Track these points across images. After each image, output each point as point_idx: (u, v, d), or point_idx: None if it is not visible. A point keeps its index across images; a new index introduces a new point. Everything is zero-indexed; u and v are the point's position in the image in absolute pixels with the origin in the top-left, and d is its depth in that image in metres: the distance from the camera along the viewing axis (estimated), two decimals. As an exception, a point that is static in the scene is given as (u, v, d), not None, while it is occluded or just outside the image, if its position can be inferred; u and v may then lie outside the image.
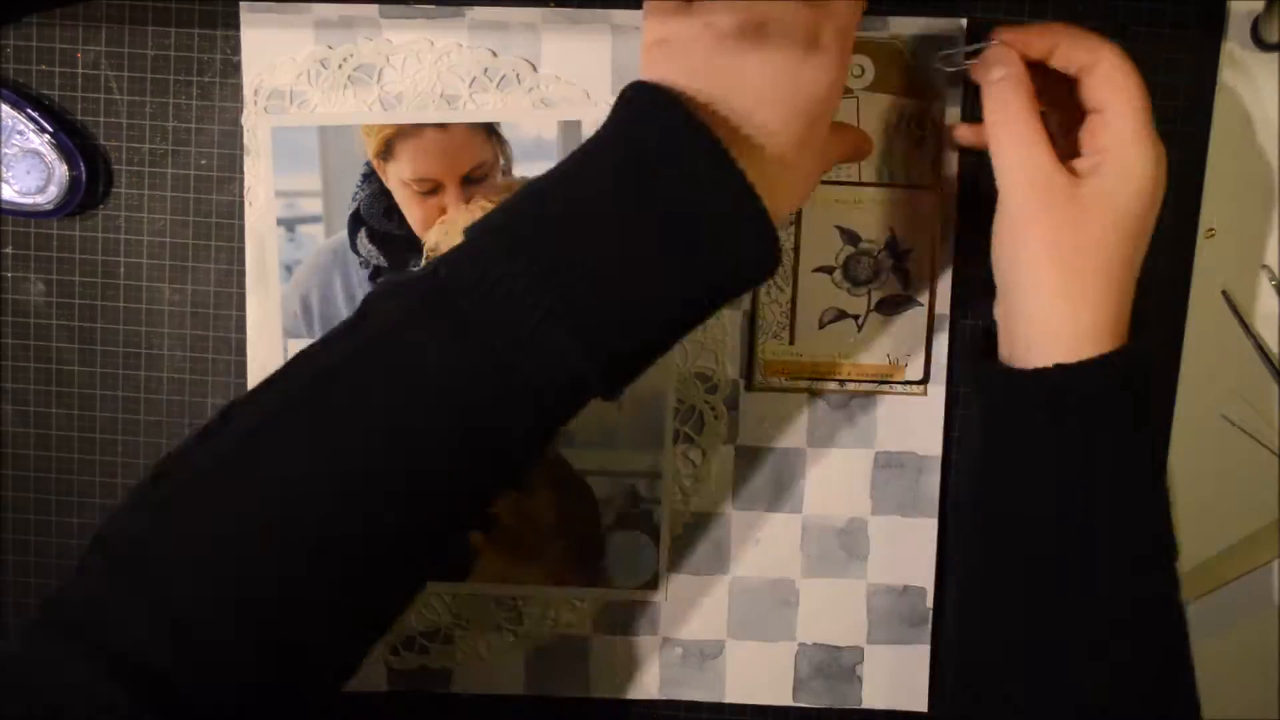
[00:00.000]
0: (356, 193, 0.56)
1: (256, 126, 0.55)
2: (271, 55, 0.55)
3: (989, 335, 0.50)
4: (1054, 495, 0.45)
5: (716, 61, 0.41)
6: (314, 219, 0.56)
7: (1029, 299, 0.46)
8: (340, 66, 0.55)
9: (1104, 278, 0.45)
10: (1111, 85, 0.46)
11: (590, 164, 0.41)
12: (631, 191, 0.39)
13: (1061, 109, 0.49)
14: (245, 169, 0.56)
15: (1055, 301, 0.46)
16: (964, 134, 0.54)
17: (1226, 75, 0.55)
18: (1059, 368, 0.45)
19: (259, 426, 0.39)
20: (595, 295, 0.38)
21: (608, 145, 0.41)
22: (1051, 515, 0.45)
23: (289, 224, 0.56)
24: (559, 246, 0.39)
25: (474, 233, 0.40)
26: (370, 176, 0.55)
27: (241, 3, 0.55)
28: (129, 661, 0.36)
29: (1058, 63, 0.48)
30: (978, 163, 0.55)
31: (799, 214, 0.55)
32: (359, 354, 0.40)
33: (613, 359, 0.40)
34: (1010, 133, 0.47)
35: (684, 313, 0.41)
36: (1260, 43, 0.55)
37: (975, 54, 0.49)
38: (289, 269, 0.56)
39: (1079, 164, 0.47)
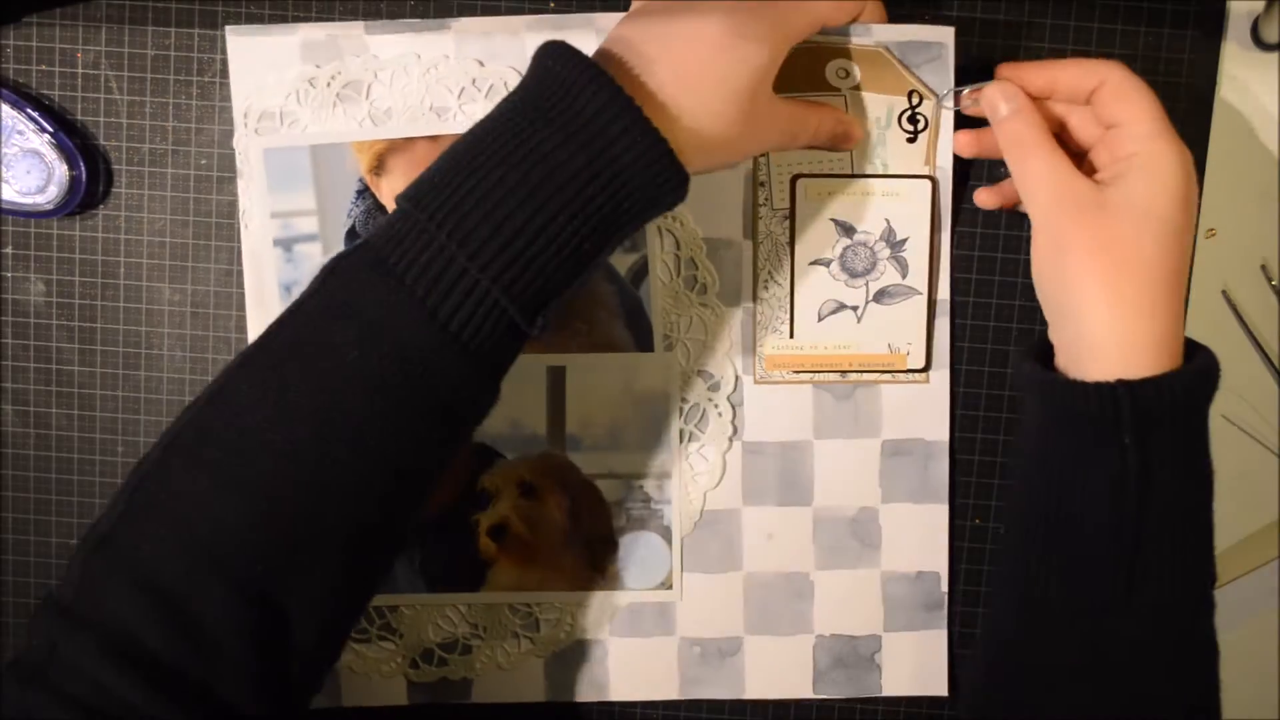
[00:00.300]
0: (351, 209, 0.55)
1: (248, 149, 0.55)
2: (259, 77, 0.55)
3: (1045, 345, 0.50)
4: (1106, 507, 0.45)
5: (641, 26, 0.44)
6: (310, 238, 0.56)
7: (1077, 316, 0.46)
8: (329, 85, 0.55)
9: (1147, 287, 0.45)
10: (1122, 97, 0.47)
11: (494, 111, 0.43)
12: (522, 125, 0.41)
13: (1068, 145, 0.50)
14: (239, 192, 0.56)
15: (1103, 314, 0.45)
16: (984, 198, 0.54)
17: (1226, 75, 0.55)
18: (1121, 383, 0.44)
19: (210, 397, 0.41)
20: (491, 226, 0.40)
21: (510, 94, 0.43)
22: (1103, 528, 0.45)
23: (285, 244, 0.56)
24: (457, 187, 0.41)
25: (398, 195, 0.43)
26: (364, 193, 0.55)
27: (227, 26, 0.55)
28: (117, 639, 0.38)
29: (1063, 93, 0.49)
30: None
31: (793, 209, 0.55)
32: (290, 314, 0.42)
33: (522, 287, 0.41)
34: (1032, 158, 0.48)
35: (585, 231, 0.42)
36: (1260, 43, 0.55)
37: (977, 91, 0.51)
38: (288, 289, 0.56)
39: (1103, 175, 0.48)
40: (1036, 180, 0.47)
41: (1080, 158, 0.50)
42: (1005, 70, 0.50)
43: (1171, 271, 0.45)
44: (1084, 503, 0.45)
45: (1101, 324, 0.45)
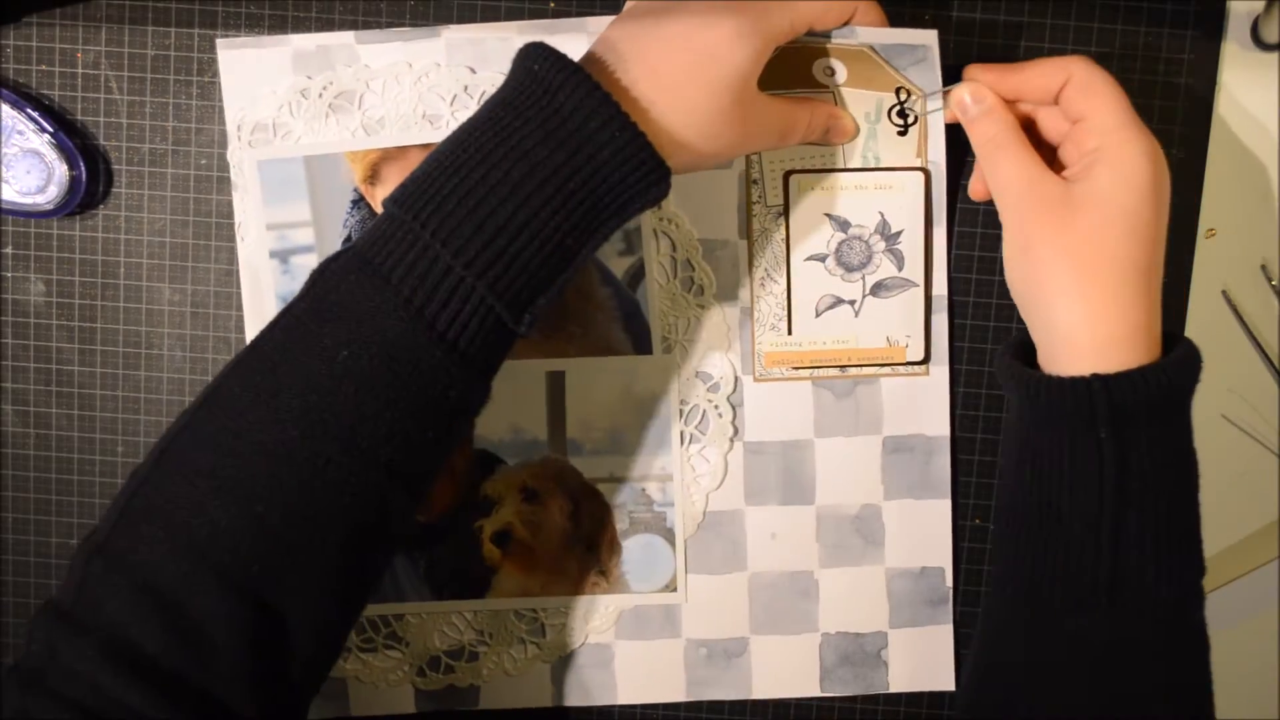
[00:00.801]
0: (347, 219, 0.55)
1: (242, 162, 0.55)
2: (252, 89, 0.55)
3: (1027, 342, 0.50)
4: (1086, 502, 0.45)
5: (626, 28, 0.45)
6: (306, 249, 0.56)
7: (1048, 315, 0.46)
8: (321, 95, 0.55)
9: (1116, 283, 0.45)
10: (1087, 91, 0.47)
11: (477, 113, 0.44)
12: (503, 125, 0.42)
13: (1039, 142, 0.50)
14: (234, 205, 0.56)
15: (1073, 312, 0.45)
16: (976, 188, 0.54)
17: (1226, 75, 0.55)
18: (1096, 377, 0.44)
19: (204, 400, 0.42)
20: (474, 224, 0.41)
21: (492, 96, 0.44)
22: (1084, 523, 0.45)
23: (282, 256, 0.56)
24: (440, 187, 0.41)
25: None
26: (359, 202, 0.55)
27: (218, 40, 0.55)
28: (116, 642, 0.38)
29: (1031, 95, 0.49)
30: (967, 141, 0.55)
31: (786, 205, 0.55)
32: (281, 317, 0.42)
33: (507, 283, 0.41)
34: (1003, 158, 0.48)
35: (567, 226, 0.42)
36: (1260, 43, 0.55)
37: (948, 93, 0.51)
38: (285, 301, 0.55)
39: (1070, 171, 0.48)
40: (1006, 180, 0.48)
41: (1052, 154, 0.50)
42: (973, 71, 0.50)
43: (1141, 266, 0.45)
44: (1065, 497, 0.45)
45: (1072, 321, 0.45)
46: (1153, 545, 0.44)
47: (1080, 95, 0.47)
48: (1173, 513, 0.45)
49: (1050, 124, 0.50)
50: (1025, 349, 0.50)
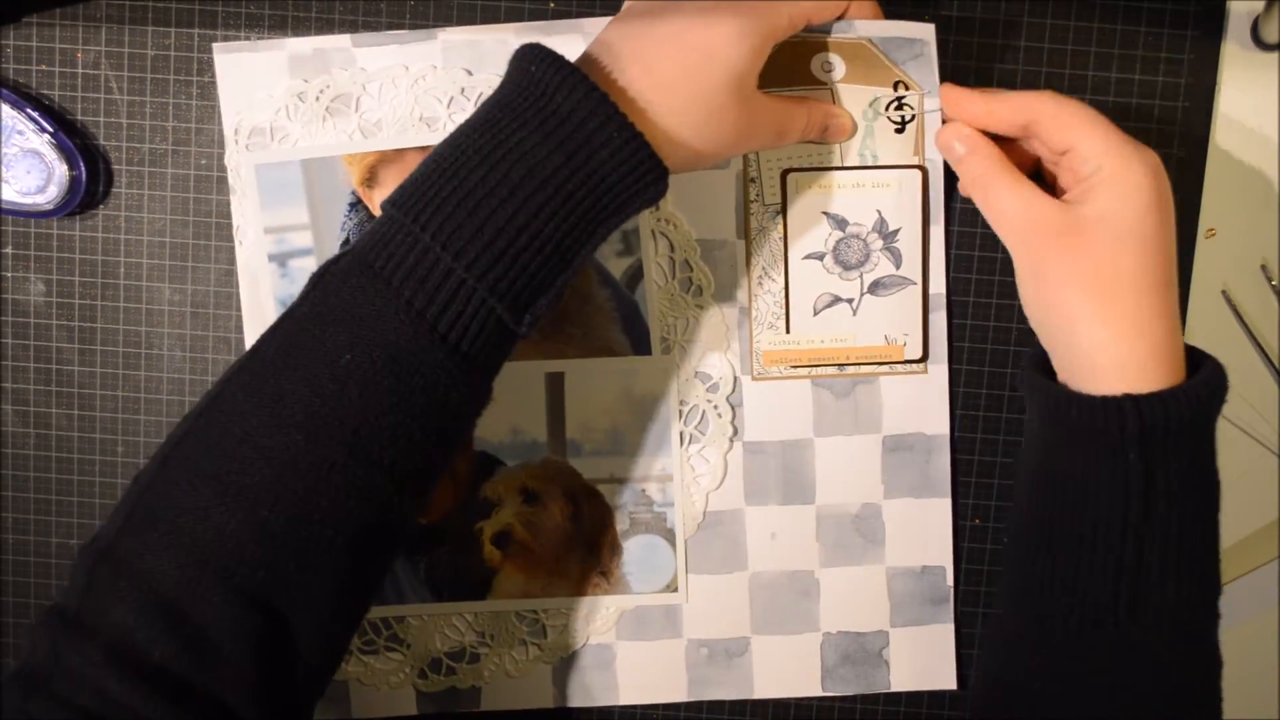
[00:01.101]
0: (345, 222, 0.55)
1: (240, 165, 0.55)
2: (248, 93, 0.55)
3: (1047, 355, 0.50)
4: (1110, 521, 0.45)
5: (623, 28, 0.45)
6: (305, 252, 0.56)
7: (1069, 341, 0.46)
8: (318, 98, 0.55)
9: (1134, 303, 0.45)
10: (1065, 123, 0.46)
11: (474, 115, 0.44)
12: (501, 127, 0.42)
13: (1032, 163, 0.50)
14: (232, 209, 0.56)
15: (1094, 336, 0.45)
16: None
17: (1226, 75, 0.55)
18: (1127, 397, 0.44)
19: (207, 406, 0.42)
20: (474, 225, 0.41)
21: (489, 98, 0.44)
22: (1107, 542, 0.45)
23: (280, 260, 0.56)
24: (440, 189, 0.41)
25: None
26: (357, 205, 0.55)
27: (214, 44, 0.55)
28: (122, 648, 0.38)
29: (995, 128, 0.49)
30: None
31: (784, 203, 0.55)
32: (282, 321, 0.43)
33: (507, 285, 0.41)
34: (996, 192, 0.48)
35: (566, 227, 0.42)
36: (1260, 43, 0.55)
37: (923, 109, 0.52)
38: (284, 304, 0.56)
39: (1071, 195, 0.47)
40: (1005, 213, 0.47)
41: (1048, 173, 0.50)
42: (948, 93, 0.50)
43: (1156, 283, 0.45)
44: (1087, 516, 0.45)
45: (1094, 346, 0.45)
46: (1174, 565, 0.44)
47: (1059, 132, 0.47)
48: (1195, 532, 0.45)
49: (1042, 147, 0.49)
50: (1046, 361, 0.49)
